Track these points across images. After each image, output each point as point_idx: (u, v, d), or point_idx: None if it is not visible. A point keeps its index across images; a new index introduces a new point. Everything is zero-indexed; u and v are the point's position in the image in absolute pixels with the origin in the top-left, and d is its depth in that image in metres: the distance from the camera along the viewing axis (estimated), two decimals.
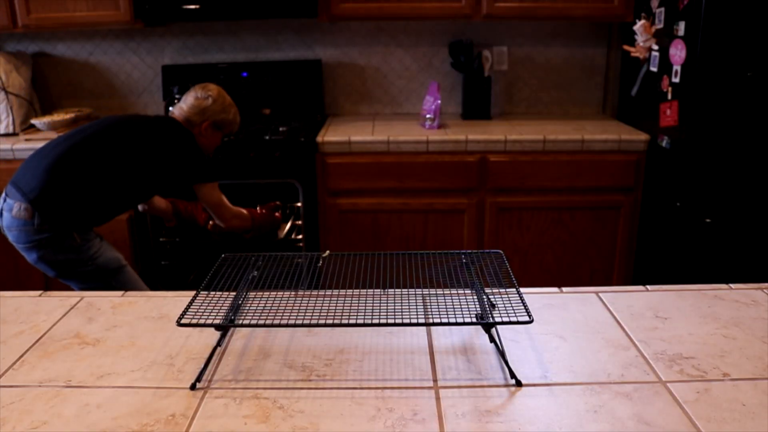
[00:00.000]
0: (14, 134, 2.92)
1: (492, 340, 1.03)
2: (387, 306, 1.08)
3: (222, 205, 2.20)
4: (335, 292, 1.19)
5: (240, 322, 1.05)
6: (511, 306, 1.02)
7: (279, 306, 1.09)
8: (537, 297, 1.25)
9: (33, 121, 2.95)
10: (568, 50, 3.20)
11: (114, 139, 1.98)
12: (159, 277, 2.87)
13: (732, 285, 1.28)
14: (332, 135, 2.75)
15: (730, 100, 2.35)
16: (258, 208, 2.45)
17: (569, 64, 3.22)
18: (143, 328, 1.15)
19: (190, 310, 1.03)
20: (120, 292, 1.31)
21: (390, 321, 1.01)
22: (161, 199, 2.38)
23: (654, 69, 2.66)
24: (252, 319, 1.05)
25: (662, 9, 2.55)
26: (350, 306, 1.08)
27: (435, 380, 0.97)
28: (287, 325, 1.00)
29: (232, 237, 2.42)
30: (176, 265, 2.90)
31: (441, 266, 1.21)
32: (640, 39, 2.70)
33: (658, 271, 2.69)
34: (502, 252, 1.21)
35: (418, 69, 3.24)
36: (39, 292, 1.31)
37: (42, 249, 1.89)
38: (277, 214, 2.52)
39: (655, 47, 2.63)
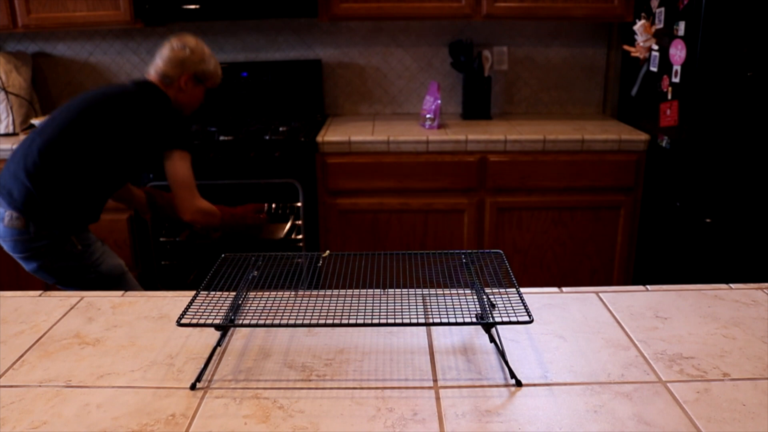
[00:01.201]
0: (14, 134, 2.92)
1: (492, 340, 1.03)
2: (387, 306, 1.08)
3: (189, 188, 1.97)
4: (335, 292, 1.19)
5: (240, 322, 1.05)
6: (511, 306, 1.02)
7: (279, 306, 1.09)
8: (537, 297, 1.25)
9: (33, 121, 2.95)
10: (568, 50, 3.20)
11: (87, 123, 1.85)
12: (159, 277, 2.87)
13: (732, 285, 1.28)
14: (332, 135, 2.76)
15: (730, 100, 2.35)
16: (239, 208, 2.27)
17: (569, 64, 3.22)
18: (143, 328, 1.15)
19: (190, 310, 1.03)
20: (120, 292, 1.31)
21: (390, 321, 1.01)
22: (134, 189, 2.20)
23: (654, 69, 2.66)
24: (252, 319, 1.05)
25: (662, 9, 2.55)
26: (350, 306, 1.08)
27: (435, 380, 0.97)
28: (287, 325, 1.00)
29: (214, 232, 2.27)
30: (176, 265, 2.90)
31: (441, 266, 1.21)
32: (640, 39, 2.70)
33: (658, 271, 2.69)
34: (502, 252, 1.21)
35: (418, 69, 3.24)
36: (39, 292, 1.31)
37: (42, 258, 1.82)
38: (262, 215, 2.36)
39: (655, 47, 2.63)
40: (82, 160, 1.84)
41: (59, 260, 1.84)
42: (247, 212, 2.26)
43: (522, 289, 1.11)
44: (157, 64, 2.01)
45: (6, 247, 1.87)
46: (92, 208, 1.92)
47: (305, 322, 1.02)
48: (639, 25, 2.68)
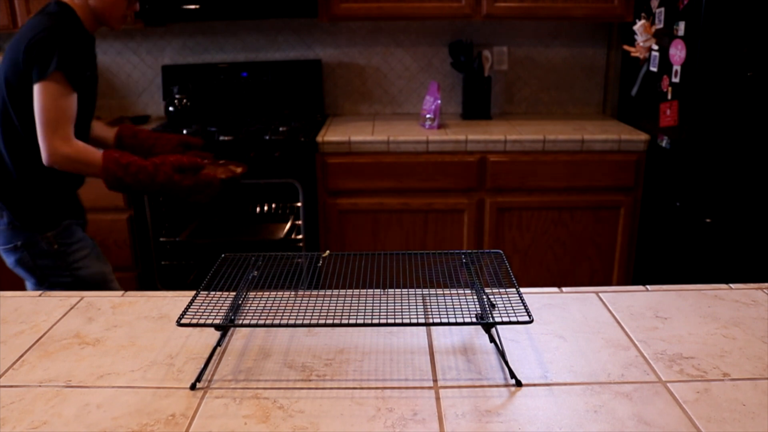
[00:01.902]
0: None
1: (492, 340, 1.03)
2: (387, 306, 1.08)
3: (50, 123, 1.57)
4: (335, 292, 1.19)
5: (240, 322, 1.05)
6: (511, 306, 1.02)
7: (279, 306, 1.09)
8: (537, 297, 1.25)
9: None
10: (568, 50, 3.20)
11: (11, 87, 1.64)
12: (159, 277, 2.87)
13: (732, 285, 1.28)
14: (332, 135, 2.75)
15: (730, 100, 2.35)
16: (150, 159, 1.69)
17: (569, 64, 3.22)
18: (143, 328, 1.15)
19: (190, 310, 1.03)
20: (120, 292, 1.31)
21: (390, 321, 1.01)
22: (105, 128, 1.93)
23: (654, 69, 2.66)
24: (252, 319, 1.05)
25: (662, 9, 2.55)
26: (350, 306, 1.08)
27: (435, 380, 0.97)
28: (287, 325, 1.00)
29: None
30: (176, 265, 2.90)
31: (441, 266, 1.21)
32: (640, 39, 2.70)
33: (658, 271, 2.69)
34: (502, 252, 1.21)
35: (418, 69, 3.24)
36: (39, 292, 1.31)
37: (19, 251, 1.74)
38: (215, 172, 1.74)
39: (655, 47, 2.63)
40: (26, 128, 1.66)
41: (35, 257, 1.75)
42: (163, 167, 1.67)
43: (522, 289, 1.11)
44: None
45: None
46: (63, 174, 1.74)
47: (305, 322, 1.02)
48: (639, 25, 2.68)
